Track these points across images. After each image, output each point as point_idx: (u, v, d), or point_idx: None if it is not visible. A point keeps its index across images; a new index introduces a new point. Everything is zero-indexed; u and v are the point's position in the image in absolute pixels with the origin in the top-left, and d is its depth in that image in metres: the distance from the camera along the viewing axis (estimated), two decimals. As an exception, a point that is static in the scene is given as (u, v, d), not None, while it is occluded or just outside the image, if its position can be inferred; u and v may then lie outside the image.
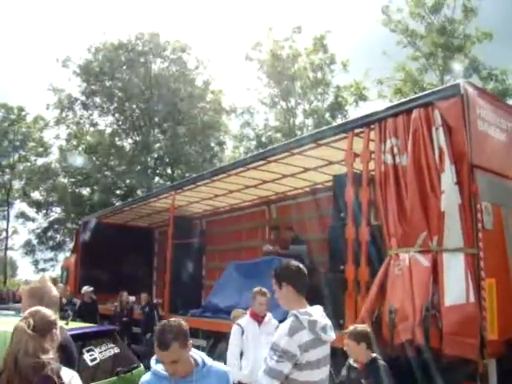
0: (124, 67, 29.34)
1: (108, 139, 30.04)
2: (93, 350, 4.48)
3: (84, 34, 63.26)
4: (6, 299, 23.05)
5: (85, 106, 30.13)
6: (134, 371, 4.93)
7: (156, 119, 29.78)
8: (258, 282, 8.53)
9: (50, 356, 2.36)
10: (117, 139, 30.96)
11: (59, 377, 2.34)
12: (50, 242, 31.30)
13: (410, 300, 5.08)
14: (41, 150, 34.52)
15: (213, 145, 31.92)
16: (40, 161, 34.07)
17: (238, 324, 5.54)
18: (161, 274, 13.39)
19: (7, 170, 35.29)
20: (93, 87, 29.46)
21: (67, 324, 5.02)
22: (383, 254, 5.81)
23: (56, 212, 31.35)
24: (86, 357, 4.36)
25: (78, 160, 28.70)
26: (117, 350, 4.87)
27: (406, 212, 5.48)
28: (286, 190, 11.01)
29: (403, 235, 5.48)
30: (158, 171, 31.58)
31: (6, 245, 36.50)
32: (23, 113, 35.65)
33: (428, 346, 4.86)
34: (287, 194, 11.23)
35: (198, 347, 9.23)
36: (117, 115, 30.57)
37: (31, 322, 2.40)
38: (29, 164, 34.85)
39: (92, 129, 31.12)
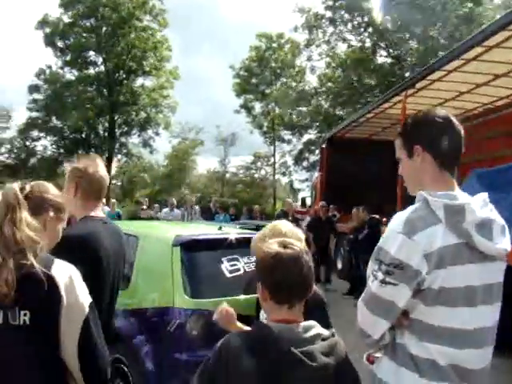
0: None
1: (359, 54, 28.66)
2: (237, 260, 3.72)
3: None
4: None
5: (332, 22, 29.12)
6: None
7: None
8: (505, 193, 6.78)
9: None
10: (368, 53, 29.37)
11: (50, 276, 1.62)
12: (305, 163, 32.33)
13: None
14: (295, 74, 35.27)
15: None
16: (297, 85, 34.75)
17: None
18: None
19: (271, 98, 37.25)
20: (339, 2, 28.14)
21: (220, 229, 4.41)
22: None
23: (310, 133, 32.03)
24: (225, 266, 3.64)
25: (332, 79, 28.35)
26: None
27: None
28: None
29: None
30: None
31: (274, 169, 39.13)
32: (282, 40, 36.75)
33: None
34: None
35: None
36: (369, 30, 28.84)
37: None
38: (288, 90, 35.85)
39: (343, 45, 30.18)
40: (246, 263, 3.74)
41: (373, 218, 9.70)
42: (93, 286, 2.29)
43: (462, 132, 1.86)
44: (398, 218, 1.74)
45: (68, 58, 33.17)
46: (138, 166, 37.26)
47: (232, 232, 4.13)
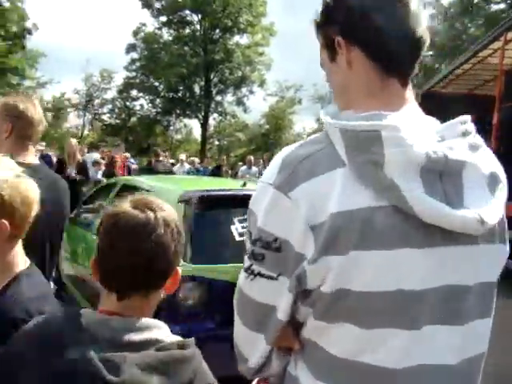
0: None
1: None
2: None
3: None
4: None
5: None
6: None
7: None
8: None
9: None
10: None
11: None
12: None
13: None
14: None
15: None
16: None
17: None
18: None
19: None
20: None
21: (244, 185, 3.84)
22: None
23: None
24: (235, 228, 3.08)
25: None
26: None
27: None
28: None
29: None
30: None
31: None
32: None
33: None
34: None
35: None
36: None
37: None
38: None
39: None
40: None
41: None
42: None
43: (416, 7, 0.97)
44: (275, 159, 0.98)
45: (164, 18, 33.45)
46: (233, 124, 37.21)
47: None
